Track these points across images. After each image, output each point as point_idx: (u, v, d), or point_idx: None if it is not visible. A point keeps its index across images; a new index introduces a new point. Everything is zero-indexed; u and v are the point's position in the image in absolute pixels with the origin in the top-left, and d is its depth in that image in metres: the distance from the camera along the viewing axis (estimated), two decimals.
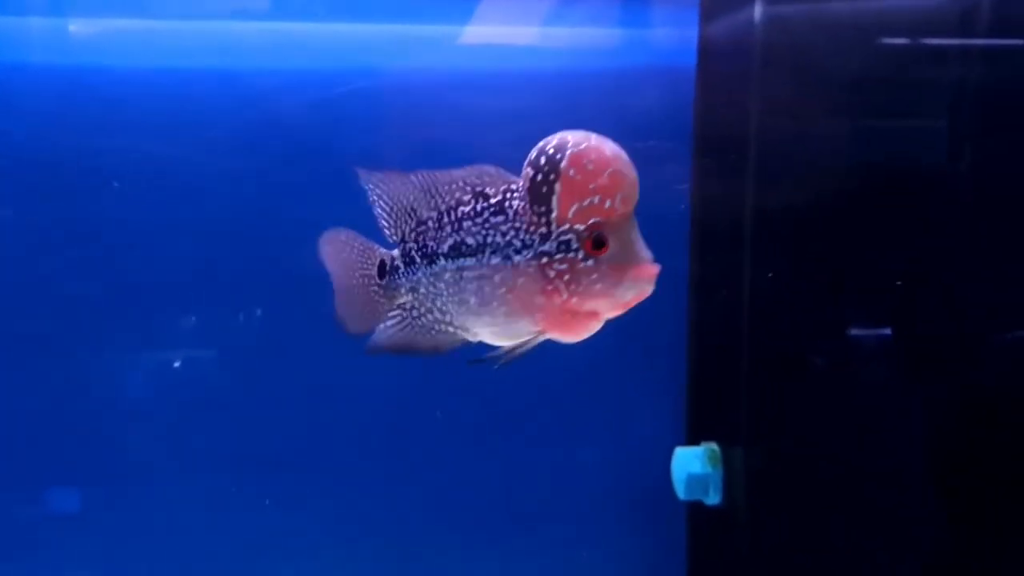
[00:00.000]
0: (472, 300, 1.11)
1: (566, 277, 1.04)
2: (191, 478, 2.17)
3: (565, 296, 1.05)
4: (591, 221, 1.02)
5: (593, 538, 2.31)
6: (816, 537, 2.01)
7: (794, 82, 1.93)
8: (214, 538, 2.19)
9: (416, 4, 2.22)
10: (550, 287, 1.05)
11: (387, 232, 1.18)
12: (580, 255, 1.03)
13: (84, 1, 2.13)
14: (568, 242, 1.03)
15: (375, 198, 1.18)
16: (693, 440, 2.19)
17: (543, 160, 1.03)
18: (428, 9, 2.21)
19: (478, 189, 1.10)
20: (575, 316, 1.07)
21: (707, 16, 2.17)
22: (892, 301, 2.02)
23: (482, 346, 1.18)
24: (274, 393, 2.18)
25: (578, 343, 2.18)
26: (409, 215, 1.16)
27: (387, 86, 2.18)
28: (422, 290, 1.16)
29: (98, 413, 2.14)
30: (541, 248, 1.04)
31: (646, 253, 1.03)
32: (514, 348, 1.13)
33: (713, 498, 2.09)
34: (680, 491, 2.11)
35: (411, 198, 1.15)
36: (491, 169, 1.11)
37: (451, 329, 1.16)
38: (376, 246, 1.20)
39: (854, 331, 2.00)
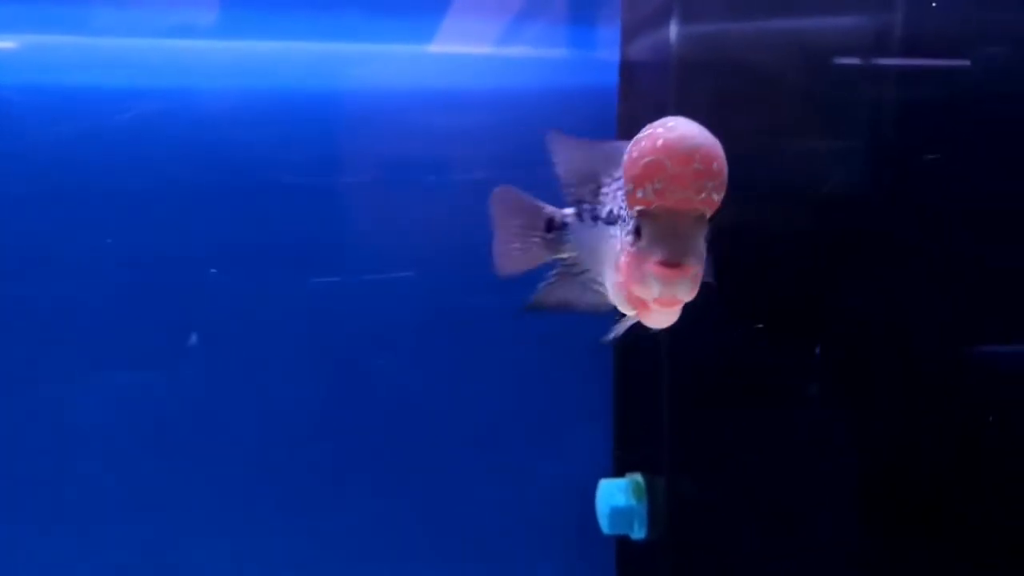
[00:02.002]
0: (607, 264, 1.12)
1: (622, 259, 1.03)
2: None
3: (621, 278, 1.04)
4: (637, 208, 0.98)
5: (522, 572, 2.24)
6: (742, 569, 1.95)
7: (709, 100, 1.89)
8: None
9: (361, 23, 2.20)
10: (618, 265, 1.05)
11: (565, 191, 1.20)
12: (629, 240, 1.00)
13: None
14: (630, 226, 1.01)
15: (558, 160, 1.20)
16: (620, 472, 2.13)
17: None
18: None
19: None
20: (635, 300, 1.05)
21: (627, 36, 2.13)
22: (820, 325, 1.98)
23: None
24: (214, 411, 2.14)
25: (502, 373, 2.17)
26: (590, 181, 1.17)
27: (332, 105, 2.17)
28: (587, 247, 1.18)
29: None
30: (628, 227, 1.03)
31: (676, 252, 0.95)
32: (623, 323, 1.13)
33: (638, 532, 2.02)
34: (604, 525, 2.04)
35: (596, 165, 1.16)
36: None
37: (603, 290, 1.17)
38: (541, 204, 1.23)
39: (780, 357, 1.96)
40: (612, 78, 2.18)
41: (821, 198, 1.91)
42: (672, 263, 0.95)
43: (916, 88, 1.94)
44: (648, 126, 0.97)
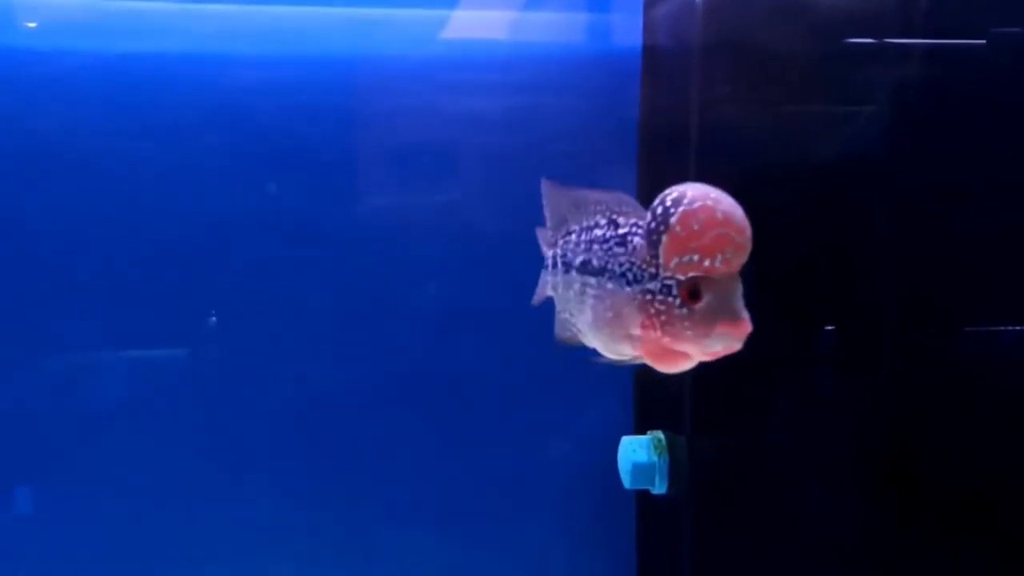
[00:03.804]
0: (588, 314, 1.20)
1: (662, 317, 1.09)
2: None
3: (659, 334, 1.10)
4: (690, 275, 1.07)
5: (544, 528, 2.31)
6: (759, 525, 2.01)
7: (734, 67, 1.91)
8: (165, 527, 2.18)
9: None
10: (648, 322, 1.11)
11: (550, 234, 1.32)
12: (677, 301, 1.08)
13: None
14: (670, 287, 1.08)
15: (544, 203, 1.32)
16: (641, 430, 2.18)
17: (660, 210, 1.08)
18: None
19: (612, 216, 1.19)
20: (666, 352, 1.12)
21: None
22: (837, 292, 2.02)
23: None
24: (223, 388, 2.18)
25: (526, 334, 2.21)
26: (563, 223, 1.27)
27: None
28: (559, 290, 1.29)
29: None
30: (647, 286, 1.11)
31: (739, 312, 1.07)
32: (617, 362, 1.21)
33: (659, 487, 2.08)
34: (626, 480, 2.10)
35: (564, 209, 1.26)
36: (629, 200, 1.18)
37: (575, 330, 1.26)
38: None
39: (800, 322, 2.00)
40: (636, 40, 2.21)
41: (835, 170, 1.94)
42: (742, 320, 1.06)
43: (943, 64, 1.97)
44: (667, 195, 1.07)
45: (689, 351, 1.10)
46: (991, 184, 1.99)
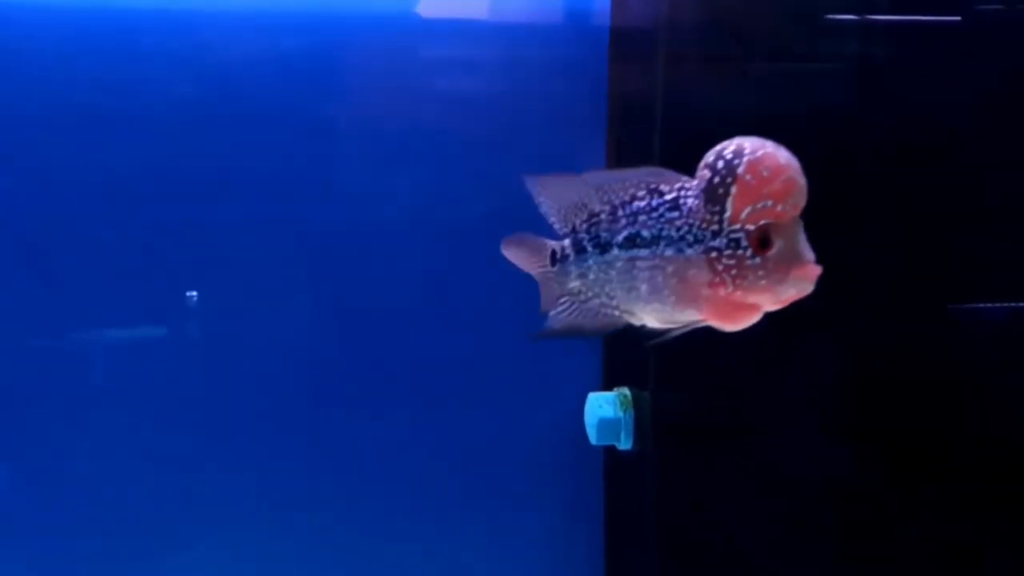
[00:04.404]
0: (643, 287, 1.18)
1: (733, 272, 1.11)
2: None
3: (730, 289, 1.12)
4: (761, 222, 1.09)
5: (512, 484, 2.32)
6: (723, 480, 2.04)
7: (699, 41, 1.93)
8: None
9: None
10: (717, 280, 1.12)
11: (556, 226, 1.28)
12: (748, 252, 1.10)
13: None
14: (738, 240, 1.10)
15: (542, 199, 1.28)
16: (609, 387, 2.20)
17: (721, 164, 1.11)
18: None
19: (652, 186, 1.18)
20: (737, 308, 1.14)
21: None
22: None
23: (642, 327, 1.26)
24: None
25: (493, 293, 2.22)
26: (580, 209, 1.24)
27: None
28: (591, 276, 1.24)
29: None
30: (711, 244, 1.12)
31: (809, 254, 1.10)
32: (675, 330, 1.21)
33: (625, 443, 2.10)
34: (592, 436, 2.12)
35: (581, 195, 1.24)
36: (662, 170, 1.19)
37: (616, 313, 1.24)
38: (546, 240, 1.30)
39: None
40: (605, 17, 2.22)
41: (807, 131, 1.95)
42: (813, 264, 1.10)
43: (906, 42, 2.00)
44: (724, 149, 1.10)
45: (761, 302, 1.12)
46: (970, 159, 2.02)
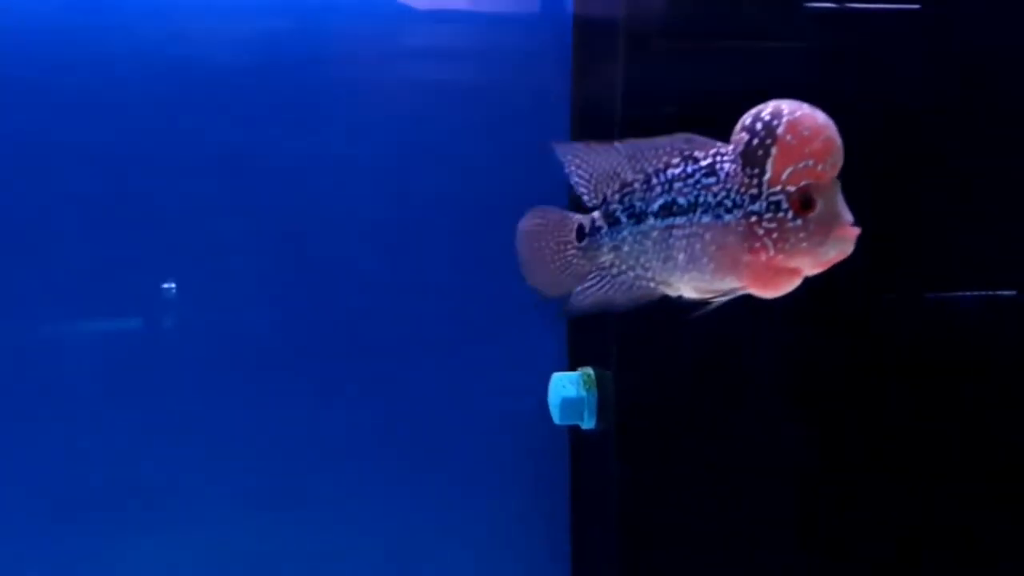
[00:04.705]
0: (680, 256, 1.17)
1: (774, 235, 1.11)
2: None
3: (772, 253, 1.11)
4: (802, 183, 1.09)
5: (479, 464, 2.33)
6: (684, 461, 2.05)
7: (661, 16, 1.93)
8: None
9: None
10: (757, 244, 1.12)
11: (586, 196, 1.25)
12: (789, 215, 1.10)
13: None
14: (778, 202, 1.10)
15: (572, 167, 1.25)
16: (574, 367, 2.21)
17: (759, 126, 1.10)
18: None
19: (687, 153, 1.17)
20: (777, 273, 1.13)
21: None
22: None
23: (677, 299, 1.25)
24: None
25: (459, 275, 2.22)
26: (611, 179, 1.22)
27: None
28: (625, 248, 1.22)
29: None
30: (751, 208, 1.12)
31: (848, 215, 1.10)
32: (713, 300, 1.20)
33: (588, 422, 2.12)
34: (555, 416, 2.13)
35: (614, 164, 1.21)
36: (695, 136, 1.18)
37: (651, 284, 1.22)
38: (569, 213, 1.26)
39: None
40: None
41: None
42: (852, 225, 1.10)
43: (867, 31, 2.02)
44: (761, 112, 1.10)
45: (802, 265, 1.12)
46: (933, 140, 2.04)
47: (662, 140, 1.18)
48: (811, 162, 1.08)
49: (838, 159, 1.10)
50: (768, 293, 1.16)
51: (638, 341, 2.02)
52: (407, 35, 2.23)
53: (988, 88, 2.08)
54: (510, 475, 2.33)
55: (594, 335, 2.16)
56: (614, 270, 1.23)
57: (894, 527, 2.13)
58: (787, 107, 1.10)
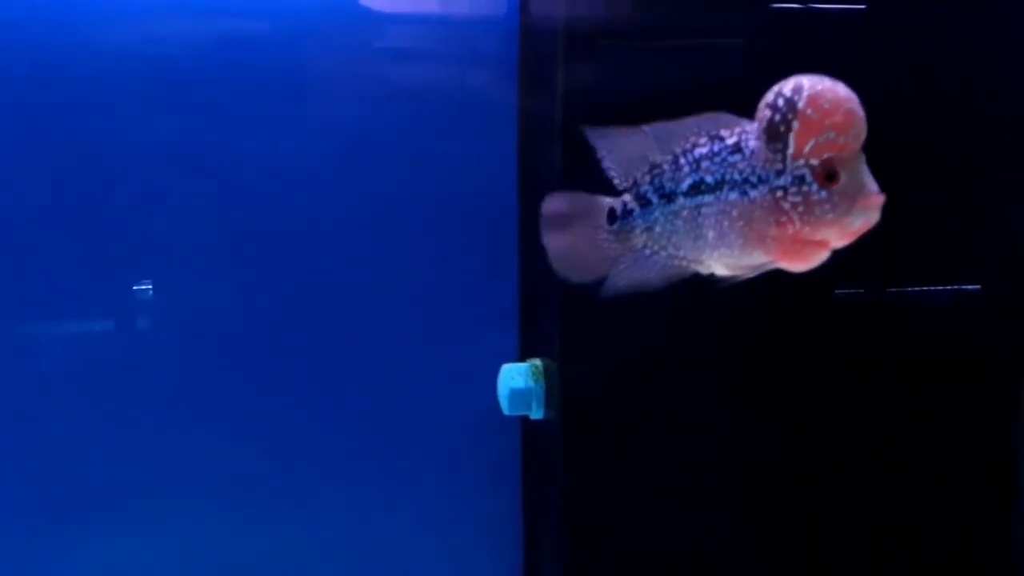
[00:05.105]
0: (710, 234, 1.20)
1: (800, 208, 1.13)
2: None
3: (798, 226, 1.13)
4: (825, 156, 1.11)
5: (433, 456, 2.36)
6: (630, 453, 2.09)
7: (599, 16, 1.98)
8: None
9: None
10: (784, 218, 1.14)
11: (617, 180, 1.27)
12: (814, 187, 1.12)
13: None
14: (803, 176, 1.12)
15: (604, 152, 1.28)
16: (525, 358, 2.26)
17: (781, 102, 1.12)
18: None
19: (712, 132, 1.19)
20: (805, 245, 1.15)
21: None
22: None
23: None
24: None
25: (413, 273, 2.26)
26: (641, 162, 1.24)
27: None
28: (657, 229, 1.25)
29: None
30: (776, 183, 1.13)
31: (872, 184, 1.11)
32: (744, 274, 1.23)
33: (536, 412, 2.15)
34: (504, 407, 2.17)
35: (643, 146, 1.24)
36: (723, 115, 1.20)
37: (684, 263, 1.25)
38: (598, 197, 1.28)
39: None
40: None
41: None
42: (877, 194, 1.11)
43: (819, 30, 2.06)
44: (783, 87, 1.11)
45: (829, 236, 1.14)
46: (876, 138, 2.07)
47: (689, 120, 1.21)
48: (833, 134, 1.10)
49: (861, 131, 1.11)
50: (797, 266, 1.18)
51: (583, 331, 2.05)
52: (360, 38, 2.26)
53: (943, 87, 2.13)
54: (463, 467, 2.35)
55: (544, 326, 2.21)
56: (647, 251, 1.26)
57: (845, 519, 2.16)
58: (807, 81, 1.11)
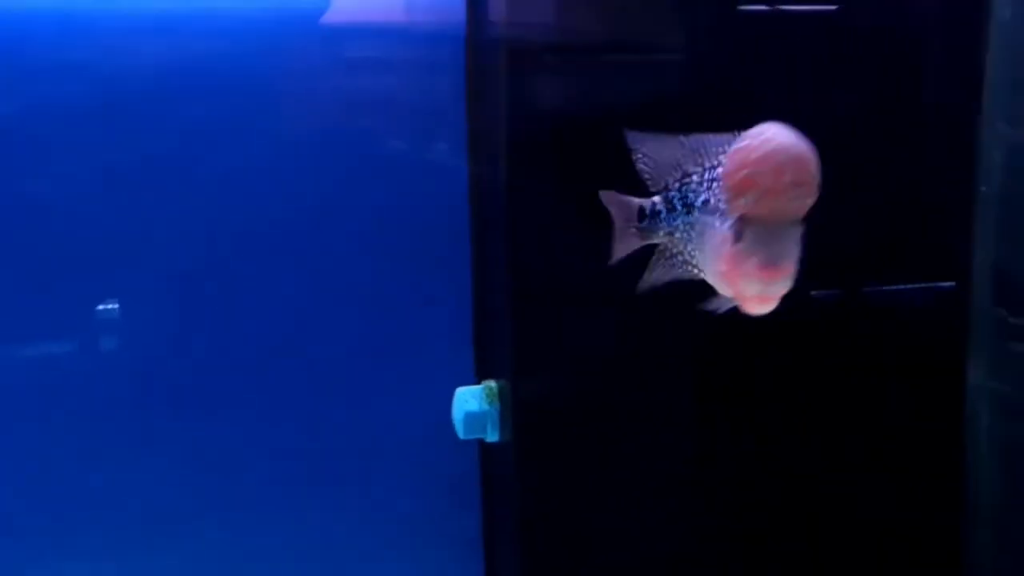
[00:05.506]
0: (706, 251, 1.21)
1: (723, 251, 1.12)
2: None
3: (723, 269, 1.13)
4: (737, 214, 1.09)
5: (391, 478, 2.32)
6: (583, 469, 2.05)
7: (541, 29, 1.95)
8: None
9: None
10: (721, 260, 1.14)
11: (650, 182, 1.32)
12: (731, 236, 1.10)
13: None
14: (732, 225, 1.10)
15: (640, 155, 1.32)
16: (480, 379, 2.21)
17: (730, 146, 1.12)
18: None
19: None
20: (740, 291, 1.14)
21: None
22: None
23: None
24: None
25: (368, 287, 2.22)
26: (674, 169, 1.27)
27: None
28: (677, 235, 1.28)
29: None
30: (727, 223, 1.12)
31: (775, 258, 1.05)
32: (724, 303, 1.22)
33: (492, 435, 2.11)
34: (460, 430, 2.13)
35: (677, 155, 1.26)
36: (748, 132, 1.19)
37: (696, 271, 1.27)
38: (631, 197, 1.35)
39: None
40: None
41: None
42: (771, 266, 1.05)
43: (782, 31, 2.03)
44: (747, 133, 1.08)
45: (741, 291, 1.11)
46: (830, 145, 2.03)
47: (724, 136, 1.18)
48: (731, 194, 1.08)
49: (766, 200, 1.05)
50: (746, 308, 1.14)
51: (534, 350, 2.02)
52: (307, 50, 2.22)
53: (906, 89, 2.10)
54: (422, 490, 2.32)
55: (497, 347, 2.16)
56: (667, 253, 1.32)
57: (812, 527, 2.14)
58: (751, 132, 1.08)
